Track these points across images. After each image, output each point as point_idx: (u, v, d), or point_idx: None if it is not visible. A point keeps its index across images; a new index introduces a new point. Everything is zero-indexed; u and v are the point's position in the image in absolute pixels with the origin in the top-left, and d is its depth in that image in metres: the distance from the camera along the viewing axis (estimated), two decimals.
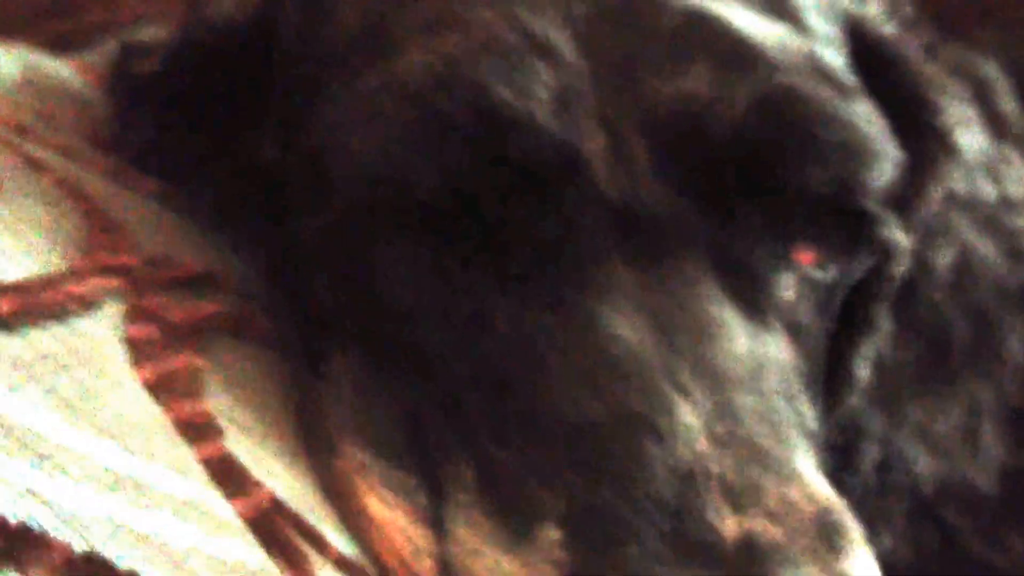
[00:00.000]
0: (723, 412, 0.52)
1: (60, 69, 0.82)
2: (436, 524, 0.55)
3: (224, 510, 0.50)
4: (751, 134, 0.57)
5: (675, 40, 0.59)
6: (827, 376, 0.65)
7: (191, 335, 0.58)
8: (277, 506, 0.52)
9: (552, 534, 0.50)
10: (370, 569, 0.55)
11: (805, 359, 0.61)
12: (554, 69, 0.57)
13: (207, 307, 0.61)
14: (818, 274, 0.62)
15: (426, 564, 0.55)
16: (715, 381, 0.54)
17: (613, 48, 0.58)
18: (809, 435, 0.58)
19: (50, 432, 0.46)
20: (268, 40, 0.68)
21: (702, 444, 0.51)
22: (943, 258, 0.74)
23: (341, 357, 0.61)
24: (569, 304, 0.56)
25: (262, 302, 0.65)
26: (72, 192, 0.62)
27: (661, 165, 0.57)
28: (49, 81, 0.78)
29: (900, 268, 0.67)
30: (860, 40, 0.67)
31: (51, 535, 0.42)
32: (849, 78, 0.63)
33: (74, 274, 0.55)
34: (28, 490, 0.43)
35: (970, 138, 0.73)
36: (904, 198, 0.64)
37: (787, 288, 0.60)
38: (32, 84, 0.76)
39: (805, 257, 0.61)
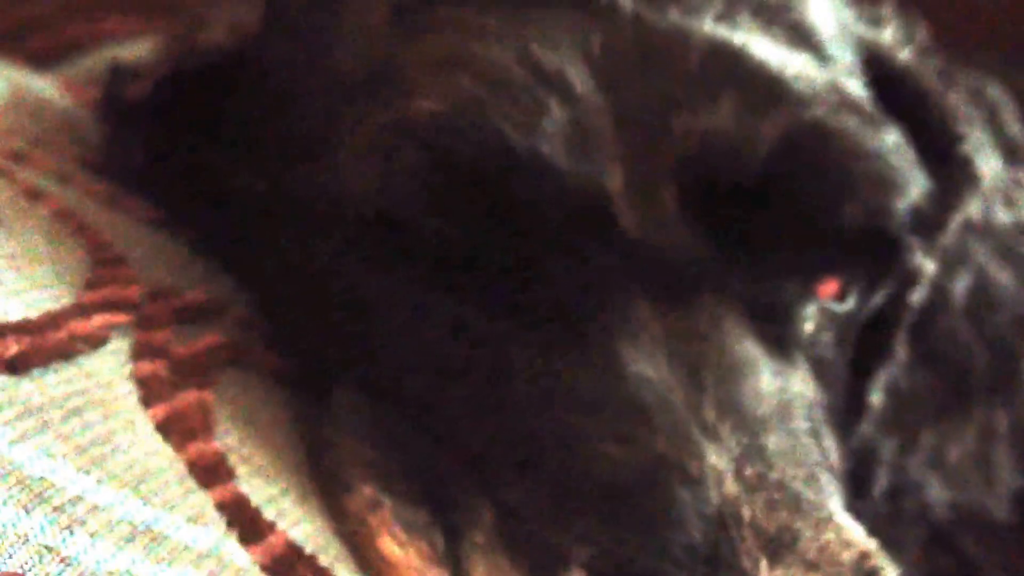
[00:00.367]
0: (752, 454, 0.51)
1: (46, 88, 0.81)
2: (451, 564, 0.53)
3: (242, 559, 0.48)
4: (780, 171, 0.55)
5: (699, 74, 0.56)
6: (844, 404, 0.64)
7: (198, 369, 0.56)
8: (293, 551, 0.51)
9: None
10: None
11: (826, 391, 0.60)
12: (568, 106, 0.55)
13: (211, 338, 0.59)
14: (838, 306, 0.61)
15: None
16: (743, 422, 0.52)
17: (633, 83, 0.56)
18: (834, 471, 0.57)
19: (65, 483, 0.44)
20: (259, 69, 0.67)
21: (732, 488, 0.50)
22: (959, 284, 0.74)
23: (346, 392, 0.60)
24: (593, 347, 0.54)
25: (263, 332, 0.63)
26: (72, 222, 0.60)
27: (686, 204, 0.55)
28: (38, 103, 0.77)
29: (918, 295, 0.66)
30: (879, 68, 0.66)
31: None
32: (874, 107, 0.62)
33: (79, 310, 0.54)
34: (46, 547, 0.42)
35: (987, 164, 0.73)
36: (927, 225, 0.64)
37: (809, 321, 0.59)
38: (21, 106, 0.74)
39: (826, 289, 0.60)
